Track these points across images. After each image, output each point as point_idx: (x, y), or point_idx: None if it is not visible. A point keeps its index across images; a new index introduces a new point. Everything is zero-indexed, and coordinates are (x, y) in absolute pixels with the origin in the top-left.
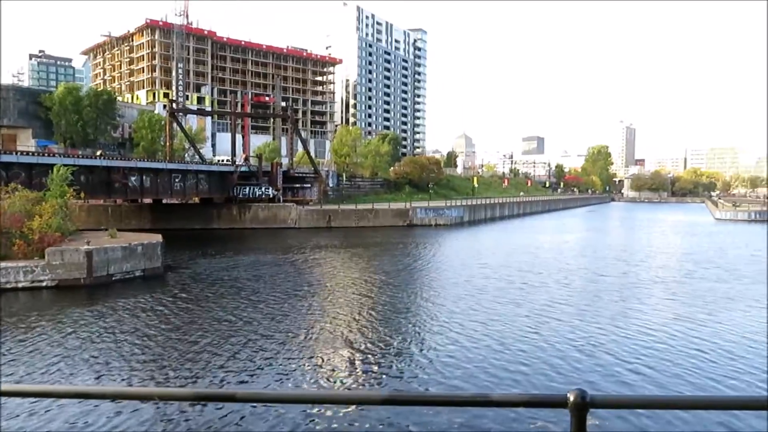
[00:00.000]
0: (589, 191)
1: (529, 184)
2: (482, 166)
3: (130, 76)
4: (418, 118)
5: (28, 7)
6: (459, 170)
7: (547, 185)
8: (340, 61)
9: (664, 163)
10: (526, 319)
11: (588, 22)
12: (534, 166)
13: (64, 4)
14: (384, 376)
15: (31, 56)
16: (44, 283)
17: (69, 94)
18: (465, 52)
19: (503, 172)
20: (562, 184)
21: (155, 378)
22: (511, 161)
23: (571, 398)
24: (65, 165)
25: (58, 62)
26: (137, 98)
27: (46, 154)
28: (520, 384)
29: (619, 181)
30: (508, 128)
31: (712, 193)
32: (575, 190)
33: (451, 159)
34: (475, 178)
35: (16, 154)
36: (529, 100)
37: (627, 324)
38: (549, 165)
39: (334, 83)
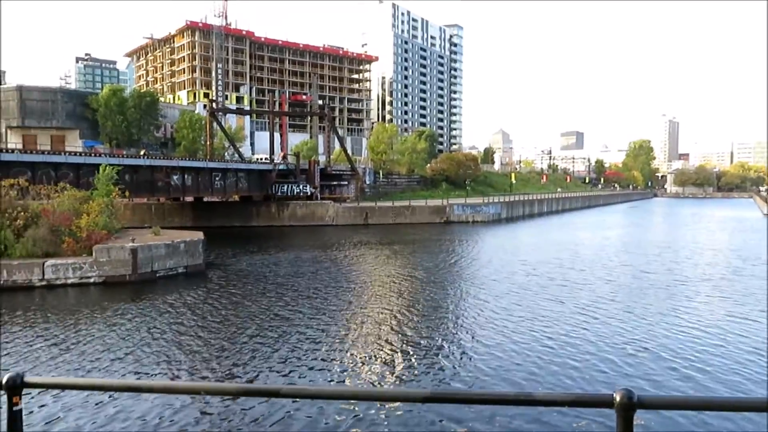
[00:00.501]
0: (631, 187)
1: (568, 180)
2: (520, 162)
3: (171, 77)
4: (455, 114)
5: (74, 12)
6: (496, 166)
7: (587, 181)
8: (376, 59)
9: (709, 157)
10: (570, 317)
11: (626, 15)
12: (573, 162)
13: (108, 6)
14: (427, 374)
15: (77, 59)
16: (92, 280)
17: (114, 96)
18: (501, 47)
19: (541, 168)
20: (602, 179)
21: (201, 372)
22: (550, 157)
23: (618, 398)
24: (111, 165)
25: (104, 65)
26: (178, 98)
27: (92, 154)
28: (568, 382)
29: (662, 176)
30: (546, 123)
31: (761, 188)
32: (616, 185)
33: (488, 155)
34: (513, 175)
35: (65, 154)
36: (567, 94)
37: (676, 322)
38: (588, 160)
39: (370, 81)
